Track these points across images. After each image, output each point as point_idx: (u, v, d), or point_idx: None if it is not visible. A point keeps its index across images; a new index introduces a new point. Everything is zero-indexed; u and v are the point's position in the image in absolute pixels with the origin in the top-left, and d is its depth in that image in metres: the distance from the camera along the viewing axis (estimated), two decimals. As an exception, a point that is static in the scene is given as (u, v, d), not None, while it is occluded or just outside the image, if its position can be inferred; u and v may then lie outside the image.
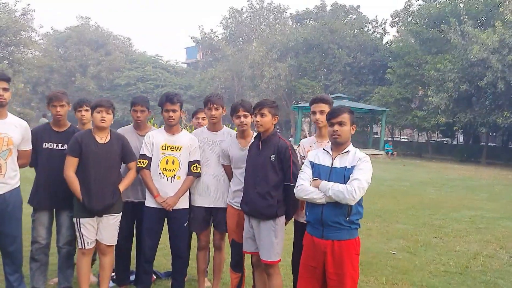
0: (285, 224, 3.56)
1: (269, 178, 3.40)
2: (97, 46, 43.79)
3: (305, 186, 3.00)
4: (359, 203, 2.95)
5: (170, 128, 3.85)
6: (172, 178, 3.78)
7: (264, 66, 36.65)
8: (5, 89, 3.34)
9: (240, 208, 3.64)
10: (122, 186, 3.71)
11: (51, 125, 3.91)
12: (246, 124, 3.69)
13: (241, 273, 3.90)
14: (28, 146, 3.65)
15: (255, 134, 3.67)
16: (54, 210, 3.89)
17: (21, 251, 3.61)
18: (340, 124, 2.99)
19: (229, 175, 3.92)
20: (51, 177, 3.75)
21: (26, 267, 3.87)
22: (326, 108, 3.47)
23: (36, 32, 35.19)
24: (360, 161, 2.93)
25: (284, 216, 3.49)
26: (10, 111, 3.60)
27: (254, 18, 47.97)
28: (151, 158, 3.79)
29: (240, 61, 40.11)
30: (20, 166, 3.62)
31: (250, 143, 3.67)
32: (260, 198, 3.40)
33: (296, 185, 3.07)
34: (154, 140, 3.81)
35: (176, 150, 3.81)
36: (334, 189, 2.85)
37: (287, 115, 38.27)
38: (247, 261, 3.91)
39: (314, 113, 3.56)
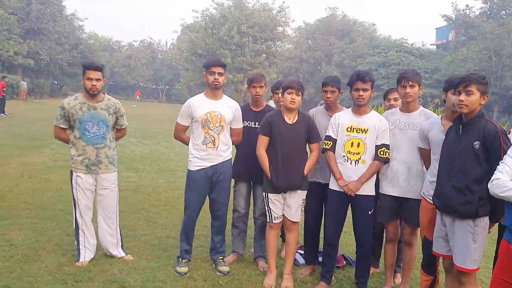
0: (490, 228, 2.90)
1: (469, 170, 2.81)
2: (342, 34, 45.15)
3: (503, 181, 2.35)
4: None
5: (358, 108, 3.63)
6: (357, 162, 3.57)
7: (532, 41, 30.57)
8: (220, 74, 3.85)
9: None
10: (306, 169, 3.73)
11: (250, 105, 4.26)
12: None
13: (433, 276, 3.41)
14: (239, 125, 4.08)
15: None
16: (252, 182, 4.25)
17: (226, 216, 4.10)
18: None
19: (426, 161, 3.44)
20: (249, 152, 4.08)
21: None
22: None
23: (289, 26, 38.86)
24: None
25: (487, 217, 2.84)
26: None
27: (526, -14, 40.40)
28: (336, 140, 3.66)
29: (501, 37, 34.56)
30: (233, 143, 4.09)
31: (449, 126, 3.10)
32: (456, 193, 2.86)
33: (492, 179, 2.44)
34: (339, 121, 3.67)
35: (362, 132, 3.58)
36: None
37: None
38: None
39: None
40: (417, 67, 40.20)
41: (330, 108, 4.00)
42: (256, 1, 36.59)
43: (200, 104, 3.88)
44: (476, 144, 2.81)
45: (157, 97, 57.54)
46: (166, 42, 63.76)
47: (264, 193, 3.86)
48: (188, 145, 4.01)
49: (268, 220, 3.88)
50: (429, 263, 3.38)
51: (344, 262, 4.36)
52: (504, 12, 41.35)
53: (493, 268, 3.00)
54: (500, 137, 2.75)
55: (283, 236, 4.39)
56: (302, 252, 4.37)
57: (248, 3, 36.23)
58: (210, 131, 3.85)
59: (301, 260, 4.35)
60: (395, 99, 4.05)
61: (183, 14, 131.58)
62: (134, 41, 61.15)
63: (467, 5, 42.34)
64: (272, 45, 36.87)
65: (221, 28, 34.20)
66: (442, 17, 44.34)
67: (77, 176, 3.94)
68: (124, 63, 55.45)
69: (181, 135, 4.09)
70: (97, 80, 3.85)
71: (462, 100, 2.84)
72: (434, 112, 6.24)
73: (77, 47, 42.94)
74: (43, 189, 6.56)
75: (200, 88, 36.47)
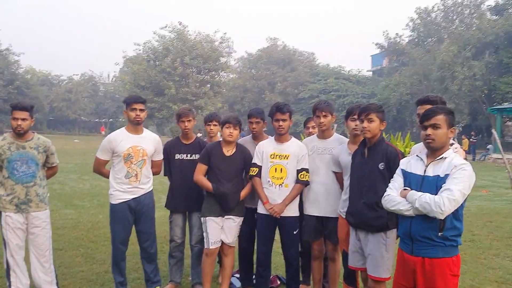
0: (396, 238, 3.25)
1: (378, 188, 3.14)
2: (284, 64, 46.83)
3: (392, 197, 2.71)
4: (456, 217, 2.52)
5: (279, 137, 3.96)
6: (280, 186, 3.86)
7: (455, 66, 33.27)
8: (141, 110, 4.04)
9: None
10: (243, 192, 4.02)
11: (180, 138, 4.46)
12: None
13: (354, 286, 3.71)
14: (160, 157, 4.27)
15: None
16: (187, 212, 4.42)
17: (155, 246, 4.21)
18: (434, 127, 2.62)
19: (341, 183, 3.79)
20: (183, 183, 4.27)
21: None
22: None
23: (232, 57, 39.80)
24: (455, 169, 2.50)
25: (395, 230, 3.19)
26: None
27: (446, 16, 44.15)
28: (261, 166, 3.95)
29: (429, 63, 37.36)
30: (154, 174, 4.25)
31: (354, 150, 3.49)
32: (368, 209, 3.19)
33: (384, 195, 2.79)
34: (263, 149, 3.97)
35: (284, 158, 3.89)
36: (421, 200, 2.50)
37: (486, 119, 33.72)
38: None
39: (419, 115, 3.19)
40: (355, 92, 42.32)
41: (257, 138, 4.29)
42: (198, 33, 37.30)
43: (122, 139, 4.02)
44: (381, 165, 3.19)
45: (99, 131, 56.08)
46: (108, 75, 62.67)
47: (203, 218, 4.04)
48: (108, 178, 4.12)
49: (205, 247, 4.03)
50: (349, 275, 3.69)
51: (278, 282, 4.58)
52: (430, 39, 44.74)
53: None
54: (399, 157, 3.13)
55: (220, 261, 4.55)
56: (238, 275, 4.55)
57: (190, 35, 36.81)
58: (132, 165, 4.00)
59: (237, 284, 4.52)
60: (313, 127, 4.44)
61: (124, 47, 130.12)
62: (74, 74, 59.65)
63: (397, 34, 45.30)
64: (216, 75, 37.51)
65: (164, 60, 34.42)
66: (375, 45, 47.26)
67: (7, 216, 3.91)
68: (64, 97, 53.79)
69: (101, 169, 4.20)
70: (23, 120, 3.87)
71: (365, 127, 3.23)
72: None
73: (13, 83, 41.32)
74: (-26, 232, 6.31)
75: (144, 119, 36.17)
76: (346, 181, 3.60)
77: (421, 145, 3.39)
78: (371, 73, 54.24)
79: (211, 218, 3.98)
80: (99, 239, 6.25)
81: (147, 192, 4.10)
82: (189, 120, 4.34)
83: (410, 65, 40.36)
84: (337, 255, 3.94)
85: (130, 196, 4.00)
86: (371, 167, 3.23)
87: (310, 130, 4.53)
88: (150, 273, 4.16)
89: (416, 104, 3.31)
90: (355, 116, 3.54)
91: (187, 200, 4.28)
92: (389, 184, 2.82)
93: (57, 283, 4.17)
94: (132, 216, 4.04)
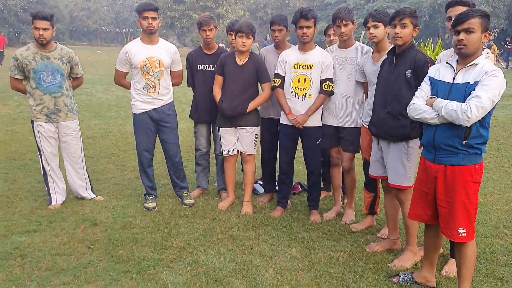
0: (420, 148, 3.25)
1: (403, 97, 3.07)
2: (310, -35, 43.89)
3: (418, 105, 2.66)
4: (482, 124, 2.47)
5: (303, 45, 3.82)
6: (303, 97, 3.83)
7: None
8: (153, 18, 3.91)
9: None
10: (252, 104, 4.00)
11: (202, 48, 4.37)
12: (376, 36, 3.39)
13: (374, 193, 3.82)
14: (178, 67, 4.23)
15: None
16: (211, 123, 4.49)
17: (179, 155, 4.36)
18: (467, 31, 2.46)
19: (367, 93, 3.73)
20: (206, 94, 4.27)
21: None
22: None
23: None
24: (486, 76, 2.40)
25: (418, 140, 3.18)
26: None
27: None
28: (284, 77, 3.89)
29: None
30: (174, 85, 4.26)
31: (383, 58, 3.36)
32: (391, 118, 3.14)
33: (409, 104, 2.74)
34: (287, 59, 3.87)
35: (308, 68, 3.80)
36: (448, 108, 2.45)
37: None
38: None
39: (449, 19, 2.99)
40: (385, -3, 39.88)
41: (279, 47, 4.17)
42: None
43: (137, 51, 3.96)
44: (408, 72, 3.07)
45: (122, 42, 55.38)
46: (127, -19, 60.27)
47: (217, 128, 4.16)
48: (129, 89, 4.16)
49: (223, 154, 4.21)
50: (370, 182, 3.77)
51: (300, 189, 4.76)
52: None
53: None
54: (428, 65, 3.01)
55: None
56: (262, 182, 4.74)
57: None
58: (150, 76, 3.98)
59: (261, 190, 4.73)
60: (334, 34, 4.24)
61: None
62: (91, -20, 57.63)
63: None
64: (237, -21, 35.62)
65: (183, -37, 32.68)
66: None
67: (39, 125, 4.08)
68: (84, 6, 52.64)
69: (121, 81, 4.22)
70: (45, 29, 3.86)
71: (397, 33, 3.05)
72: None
73: (31, -9, 40.46)
74: (10, 141, 6.66)
75: (165, 29, 35.42)
76: (371, 91, 3.54)
77: (448, 52, 3.24)
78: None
79: (224, 128, 4.09)
80: (129, 148, 6.50)
81: (167, 103, 4.14)
82: (211, 29, 4.22)
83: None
84: (352, 164, 3.99)
85: (150, 107, 4.06)
86: (397, 75, 3.12)
87: (331, 38, 4.35)
88: (176, 180, 4.37)
89: (446, 7, 3.08)
90: (369, 25, 3.39)
91: (210, 110, 4.31)
92: (416, 92, 2.75)
93: (91, 188, 4.45)
94: (154, 126, 4.13)
